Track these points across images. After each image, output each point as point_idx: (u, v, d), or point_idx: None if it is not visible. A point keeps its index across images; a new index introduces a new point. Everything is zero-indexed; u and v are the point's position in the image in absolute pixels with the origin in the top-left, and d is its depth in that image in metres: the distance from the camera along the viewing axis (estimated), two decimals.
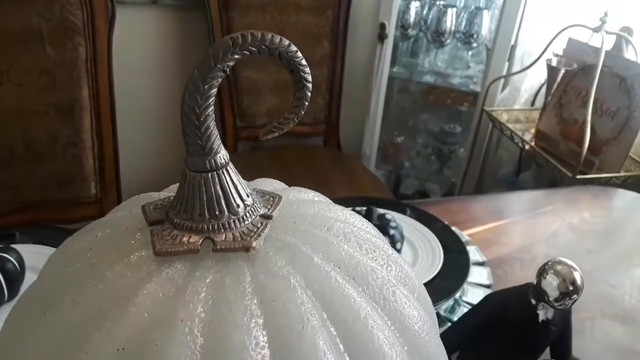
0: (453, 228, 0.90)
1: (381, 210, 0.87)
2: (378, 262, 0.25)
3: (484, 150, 1.73)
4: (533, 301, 0.37)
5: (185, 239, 0.22)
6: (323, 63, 1.69)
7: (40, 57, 1.16)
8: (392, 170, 1.95)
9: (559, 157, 1.43)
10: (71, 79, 1.21)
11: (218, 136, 0.21)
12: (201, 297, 0.20)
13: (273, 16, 1.61)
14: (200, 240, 0.22)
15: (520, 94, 1.66)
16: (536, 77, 1.62)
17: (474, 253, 0.84)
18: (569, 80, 1.42)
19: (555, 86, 1.42)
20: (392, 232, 0.82)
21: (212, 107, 0.20)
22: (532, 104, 1.69)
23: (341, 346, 0.21)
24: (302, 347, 0.20)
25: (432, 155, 1.90)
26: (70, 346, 0.20)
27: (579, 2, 1.50)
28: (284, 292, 0.21)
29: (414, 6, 1.65)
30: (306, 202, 0.27)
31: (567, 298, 0.35)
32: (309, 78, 0.22)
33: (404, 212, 0.94)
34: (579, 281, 0.35)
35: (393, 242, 0.81)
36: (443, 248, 0.82)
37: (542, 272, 0.36)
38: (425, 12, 1.69)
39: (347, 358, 0.21)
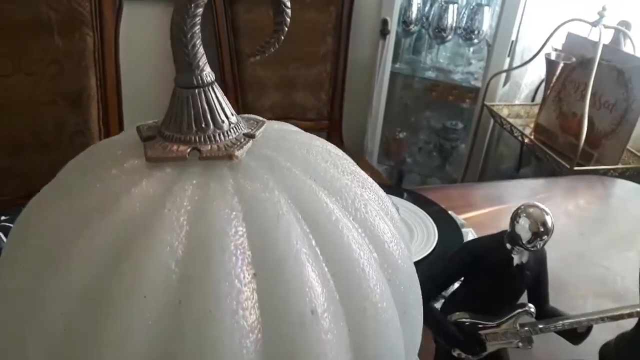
0: (449, 212, 0.92)
1: None
2: (353, 181, 0.27)
3: (485, 146, 1.75)
4: (508, 246, 0.39)
5: (174, 148, 0.24)
6: (326, 59, 1.71)
7: (49, 47, 1.19)
8: (395, 165, 1.97)
9: (558, 150, 1.44)
10: (79, 69, 1.24)
11: (204, 56, 0.24)
12: (187, 194, 0.23)
13: None
14: (188, 150, 0.24)
15: (521, 89, 1.68)
16: (536, 72, 1.64)
17: (468, 235, 0.86)
18: (568, 75, 1.44)
19: (554, 80, 1.44)
20: None
21: (199, 27, 0.23)
22: (533, 99, 1.71)
23: (313, 242, 0.23)
24: (277, 237, 0.22)
25: (434, 151, 1.92)
26: (73, 231, 0.22)
27: None
28: (262, 193, 0.23)
29: (416, 2, 1.68)
30: (289, 130, 0.29)
31: (539, 239, 0.37)
32: (288, 3, 0.24)
33: (401, 196, 0.96)
34: (549, 223, 0.37)
35: None
36: (438, 230, 0.84)
37: (515, 217, 0.38)
38: (427, 8, 1.72)
39: (318, 251, 0.23)
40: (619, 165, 1.35)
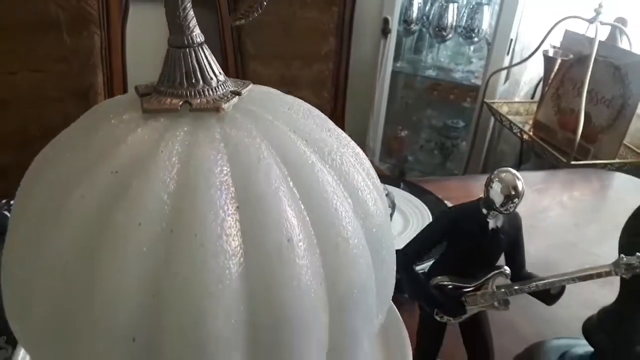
0: (446, 201, 0.94)
1: None
2: (331, 137, 0.30)
3: (486, 144, 1.78)
4: (484, 211, 0.42)
5: (168, 101, 0.27)
6: (328, 58, 1.74)
7: (58, 45, 1.22)
8: (396, 164, 1.99)
9: (556, 146, 1.47)
10: (87, 66, 1.27)
11: (194, 18, 0.27)
12: (179, 139, 0.26)
13: (279, 12, 1.67)
14: (180, 102, 0.27)
15: (520, 86, 1.71)
16: (535, 69, 1.66)
17: None
18: (566, 72, 1.46)
19: (552, 77, 1.46)
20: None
21: None
22: (532, 97, 1.73)
23: (291, 183, 0.26)
24: (258, 176, 0.25)
25: (435, 149, 1.95)
26: (75, 176, 0.25)
27: None
28: (246, 139, 0.26)
29: (417, 2, 1.71)
30: (273, 92, 0.32)
31: (510, 202, 0.40)
32: None
33: (398, 186, 0.99)
34: (520, 187, 0.40)
35: None
36: (433, 218, 0.86)
37: (489, 183, 0.40)
38: (427, 7, 1.75)
39: (295, 191, 0.26)
40: (616, 160, 1.37)
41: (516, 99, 1.73)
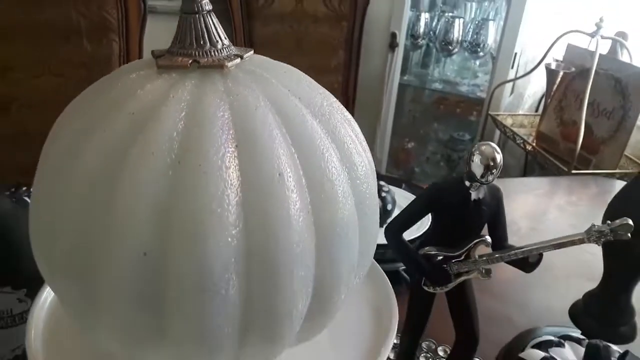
0: None
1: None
2: (322, 99, 0.34)
3: None
4: (467, 184, 0.46)
5: (179, 59, 0.31)
6: (338, 71, 1.80)
7: (79, 51, 1.29)
8: (403, 175, 2.03)
9: (558, 156, 1.50)
10: (105, 73, 1.32)
11: None
12: (187, 89, 0.30)
13: (292, 26, 1.73)
14: (190, 61, 0.31)
15: (524, 99, 1.75)
16: (539, 83, 1.70)
17: None
18: (569, 84, 1.50)
19: (554, 89, 1.50)
20: (383, 194, 0.91)
21: None
22: (537, 110, 1.77)
23: (283, 129, 0.30)
24: (255, 121, 0.29)
25: (441, 161, 1.99)
26: (98, 118, 0.30)
27: (580, 10, 1.59)
28: (245, 91, 0.31)
29: (424, 17, 1.76)
30: (273, 60, 0.36)
31: (489, 172, 0.43)
32: None
33: (399, 186, 1.03)
34: (498, 159, 0.43)
35: (384, 204, 0.90)
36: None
37: (470, 156, 0.44)
38: (434, 23, 1.80)
39: (287, 136, 0.30)
40: (617, 170, 1.40)
41: (520, 112, 1.76)
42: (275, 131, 0.30)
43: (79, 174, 0.29)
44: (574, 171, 1.37)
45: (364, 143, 0.37)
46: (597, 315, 0.62)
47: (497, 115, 1.67)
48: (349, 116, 0.37)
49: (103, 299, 0.29)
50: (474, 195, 0.46)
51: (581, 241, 0.45)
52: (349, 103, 1.79)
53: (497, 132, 1.74)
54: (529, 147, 1.57)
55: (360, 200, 0.34)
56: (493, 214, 0.48)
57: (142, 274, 0.27)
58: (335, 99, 0.36)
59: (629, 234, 0.42)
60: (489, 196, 0.47)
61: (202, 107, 0.29)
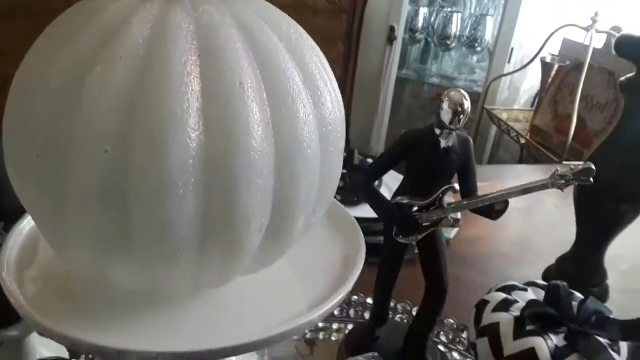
0: None
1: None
2: (290, 28, 0.36)
3: (487, 151, 1.82)
4: (437, 131, 0.47)
5: None
6: (336, 63, 1.81)
7: None
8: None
9: (552, 149, 1.51)
10: None
11: None
12: (155, 5, 0.32)
13: (291, 18, 1.74)
14: None
15: (520, 94, 1.76)
16: (535, 77, 1.71)
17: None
18: (563, 78, 1.52)
19: (549, 82, 1.52)
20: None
21: None
22: (532, 105, 1.78)
23: (247, 45, 0.32)
24: (218, 35, 0.31)
25: None
26: (70, 33, 0.31)
27: (575, 5, 1.60)
28: (211, 8, 0.32)
29: (422, 11, 1.78)
30: None
31: (457, 118, 0.45)
32: None
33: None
34: (466, 105, 0.45)
35: None
36: None
37: (440, 103, 0.46)
38: (432, 17, 1.82)
39: (251, 53, 0.32)
40: None
41: (515, 107, 1.78)
42: (238, 44, 0.31)
43: (53, 74, 0.30)
44: (564, 162, 1.38)
45: (335, 83, 0.39)
46: (569, 277, 0.63)
47: (493, 109, 1.69)
48: (318, 50, 0.38)
49: (70, 200, 0.31)
50: (443, 143, 0.47)
51: (545, 186, 0.46)
52: (346, 95, 1.81)
53: (493, 128, 1.76)
54: (522, 140, 1.58)
55: (324, 127, 0.35)
56: (463, 163, 0.49)
57: (107, 170, 0.29)
58: (307, 34, 0.38)
59: (591, 179, 0.43)
60: (458, 145, 0.48)
61: (168, 20, 0.31)
